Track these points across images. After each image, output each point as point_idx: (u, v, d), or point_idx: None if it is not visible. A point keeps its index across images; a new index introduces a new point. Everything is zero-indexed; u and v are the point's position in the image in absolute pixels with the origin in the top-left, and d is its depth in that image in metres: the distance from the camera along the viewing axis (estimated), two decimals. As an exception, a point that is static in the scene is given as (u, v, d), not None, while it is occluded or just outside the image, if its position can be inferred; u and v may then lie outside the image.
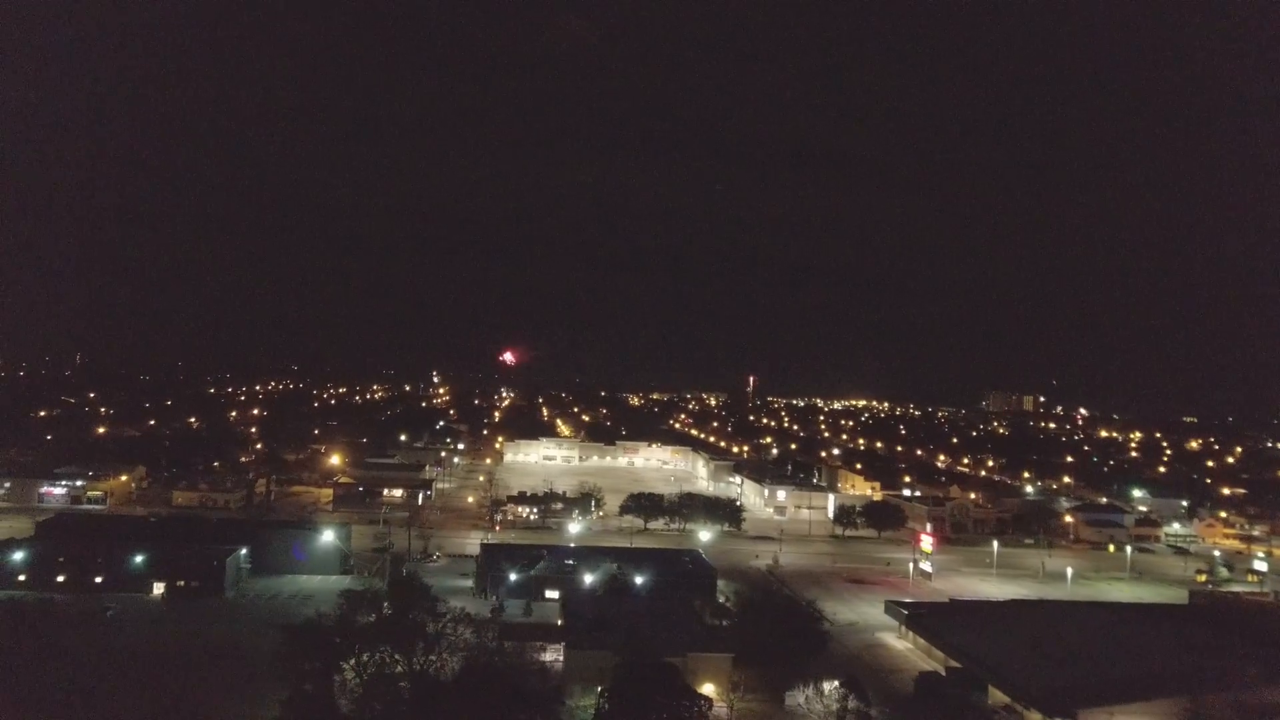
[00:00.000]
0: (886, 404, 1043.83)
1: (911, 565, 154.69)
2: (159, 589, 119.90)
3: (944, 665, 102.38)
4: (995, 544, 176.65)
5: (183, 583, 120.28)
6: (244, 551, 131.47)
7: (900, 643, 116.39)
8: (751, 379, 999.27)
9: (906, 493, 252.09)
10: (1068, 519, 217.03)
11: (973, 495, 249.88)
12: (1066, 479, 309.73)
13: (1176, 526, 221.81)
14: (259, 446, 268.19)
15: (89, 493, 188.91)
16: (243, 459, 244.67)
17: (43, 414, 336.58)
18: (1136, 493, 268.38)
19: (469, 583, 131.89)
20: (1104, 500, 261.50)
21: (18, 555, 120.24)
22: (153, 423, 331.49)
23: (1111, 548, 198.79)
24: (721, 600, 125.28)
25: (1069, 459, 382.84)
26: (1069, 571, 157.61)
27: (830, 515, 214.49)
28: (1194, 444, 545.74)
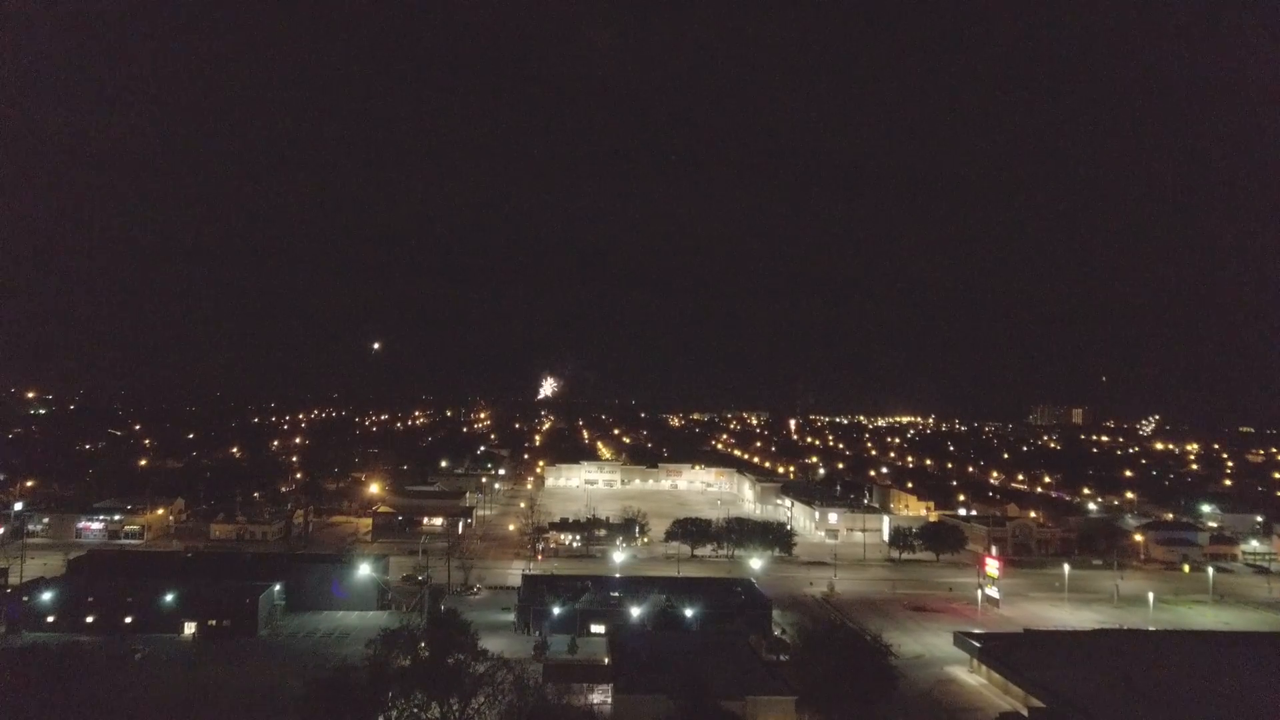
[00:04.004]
0: (931, 420, 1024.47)
1: (978, 591, 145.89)
2: (190, 629, 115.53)
3: (1024, 704, 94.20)
4: (1066, 566, 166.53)
5: (214, 622, 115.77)
6: (278, 588, 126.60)
7: (973, 678, 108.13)
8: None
9: (963, 512, 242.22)
10: (1137, 538, 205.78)
11: (1033, 514, 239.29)
12: (1129, 494, 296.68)
13: (1254, 544, 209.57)
14: (299, 476, 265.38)
15: (126, 527, 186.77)
16: (283, 489, 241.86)
17: (87, 447, 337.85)
18: (1205, 508, 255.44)
19: (511, 616, 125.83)
20: (1171, 517, 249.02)
21: (47, 595, 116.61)
22: (194, 454, 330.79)
23: (1186, 568, 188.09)
24: (778, 633, 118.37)
25: (1128, 473, 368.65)
26: (1150, 596, 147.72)
27: (885, 538, 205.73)
28: (1257, 455, 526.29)
